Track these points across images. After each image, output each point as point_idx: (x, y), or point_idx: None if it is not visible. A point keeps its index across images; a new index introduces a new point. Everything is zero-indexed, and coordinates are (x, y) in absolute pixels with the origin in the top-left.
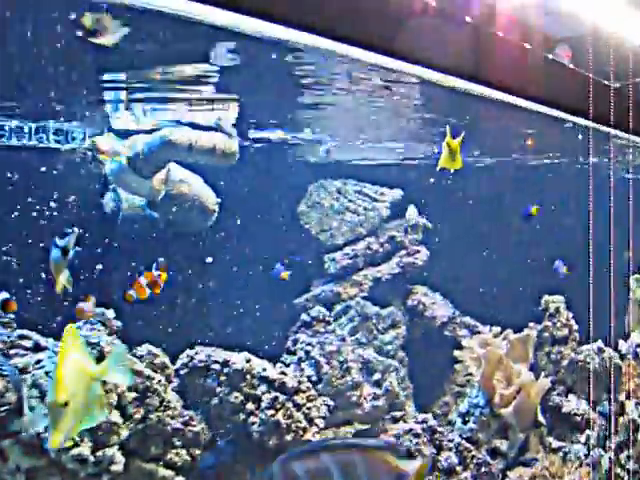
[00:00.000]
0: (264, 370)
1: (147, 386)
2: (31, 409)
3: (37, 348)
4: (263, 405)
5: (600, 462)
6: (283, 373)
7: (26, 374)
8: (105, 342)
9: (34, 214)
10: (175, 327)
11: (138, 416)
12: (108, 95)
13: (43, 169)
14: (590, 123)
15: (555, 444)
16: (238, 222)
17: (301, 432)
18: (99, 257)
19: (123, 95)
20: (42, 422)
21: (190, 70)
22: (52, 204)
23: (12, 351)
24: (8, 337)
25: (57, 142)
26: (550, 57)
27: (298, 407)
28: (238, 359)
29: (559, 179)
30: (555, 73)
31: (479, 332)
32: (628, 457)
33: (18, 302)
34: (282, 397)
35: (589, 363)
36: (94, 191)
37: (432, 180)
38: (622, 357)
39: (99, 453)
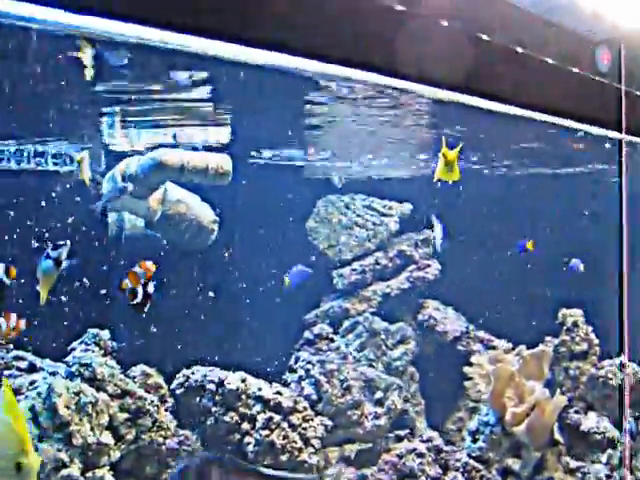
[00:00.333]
0: (259, 390)
1: (139, 407)
2: None
3: (32, 369)
4: (258, 425)
5: None
6: (279, 393)
7: (19, 395)
8: (98, 363)
9: (34, 237)
10: (177, 347)
11: (130, 437)
12: (103, 118)
13: (43, 192)
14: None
15: (573, 464)
16: (246, 239)
17: (296, 452)
18: (102, 276)
19: (118, 117)
20: (34, 443)
21: (189, 95)
22: (52, 225)
23: (6, 372)
24: (2, 358)
25: (55, 165)
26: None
27: (294, 427)
28: (233, 379)
29: (578, 189)
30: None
31: (494, 347)
32: None
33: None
34: (277, 417)
35: (611, 379)
36: (94, 213)
37: (443, 193)
38: None
39: (89, 474)
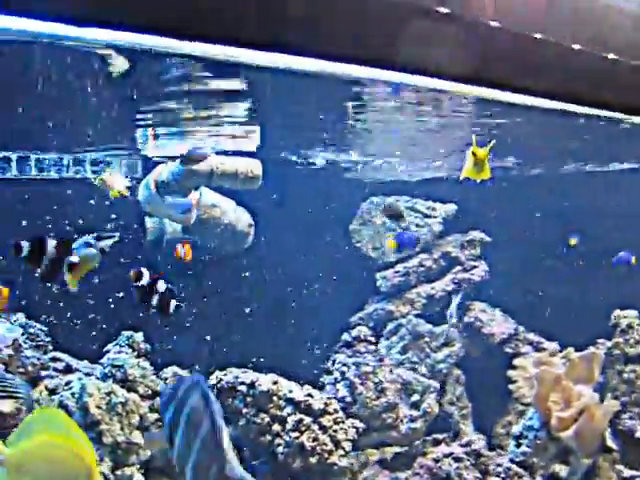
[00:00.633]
0: (290, 392)
1: None
2: None
3: (68, 370)
4: (288, 427)
5: None
6: (310, 395)
7: (54, 395)
8: (130, 365)
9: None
10: (215, 349)
11: None
12: (139, 127)
13: (81, 199)
14: None
15: (627, 472)
16: (290, 242)
17: (326, 455)
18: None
19: (153, 125)
20: None
21: (228, 107)
22: (92, 231)
23: (44, 372)
24: (38, 359)
25: (94, 172)
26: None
27: (324, 429)
28: (265, 381)
29: (632, 185)
30: None
31: (544, 349)
32: None
33: (58, 326)
34: (307, 419)
35: None
36: (132, 218)
37: (489, 193)
38: None
39: (118, 472)
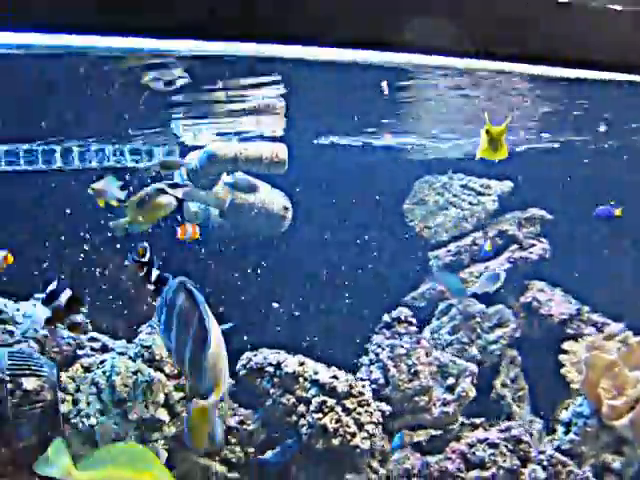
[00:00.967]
0: (316, 373)
1: None
2: (88, 404)
3: (104, 350)
4: (311, 408)
5: None
6: (335, 377)
7: (88, 373)
8: (157, 346)
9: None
10: (259, 330)
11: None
12: (174, 116)
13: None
14: None
15: None
16: (344, 223)
17: (349, 437)
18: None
19: (184, 113)
20: (96, 416)
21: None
22: None
23: (80, 352)
24: (74, 339)
25: (135, 161)
26: None
27: (348, 412)
28: (291, 362)
29: None
30: None
31: (609, 331)
32: None
33: (98, 308)
34: (331, 401)
35: None
36: None
37: (550, 168)
38: None
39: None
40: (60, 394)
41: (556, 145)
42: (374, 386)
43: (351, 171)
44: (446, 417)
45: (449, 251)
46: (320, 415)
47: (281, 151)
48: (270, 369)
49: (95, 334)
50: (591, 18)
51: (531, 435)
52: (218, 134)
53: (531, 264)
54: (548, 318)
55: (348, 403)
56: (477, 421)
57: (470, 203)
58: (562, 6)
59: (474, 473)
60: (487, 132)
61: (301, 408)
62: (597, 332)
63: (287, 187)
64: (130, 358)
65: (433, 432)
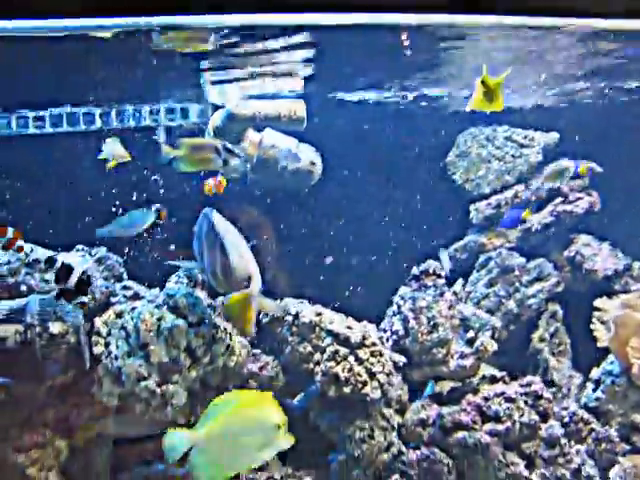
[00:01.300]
0: (331, 323)
1: (213, 334)
2: (117, 347)
3: (135, 297)
4: (325, 357)
5: None
6: (349, 327)
7: (120, 319)
8: (181, 294)
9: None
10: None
11: (205, 360)
12: (202, 76)
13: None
14: None
15: None
16: (386, 176)
17: (360, 386)
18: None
19: (210, 75)
20: (123, 358)
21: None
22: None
23: (113, 299)
24: (107, 287)
25: (170, 120)
26: None
27: (360, 361)
28: (308, 312)
29: None
30: None
31: None
32: None
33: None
34: (344, 350)
35: None
36: None
37: (598, 119)
38: None
39: (163, 387)
40: (93, 338)
41: (606, 96)
42: (394, 337)
43: (396, 125)
44: (463, 370)
45: (489, 204)
46: (333, 364)
47: (299, 108)
48: (289, 318)
49: (129, 282)
50: None
51: (568, 390)
52: (245, 95)
53: (577, 217)
54: (592, 273)
55: (361, 353)
56: (497, 375)
57: (512, 156)
58: None
59: (489, 426)
60: (483, 83)
61: (317, 356)
62: None
63: (331, 141)
64: (157, 306)
65: (453, 384)
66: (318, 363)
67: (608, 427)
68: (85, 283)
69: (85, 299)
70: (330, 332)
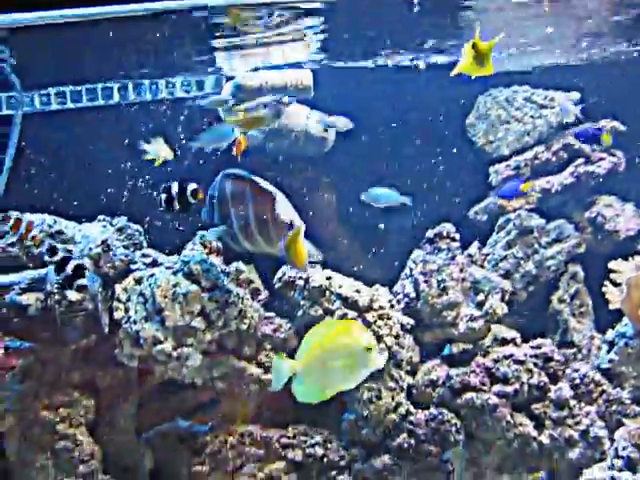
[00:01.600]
0: (340, 287)
1: (226, 299)
2: (135, 312)
3: (154, 264)
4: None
5: None
6: (357, 291)
7: (138, 285)
8: (195, 261)
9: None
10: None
11: (220, 324)
12: (215, 47)
13: (176, 115)
14: None
15: None
16: (406, 139)
17: None
18: None
19: (223, 44)
20: (141, 322)
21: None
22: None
23: (133, 266)
24: (126, 256)
25: (186, 92)
26: None
27: (368, 324)
28: (319, 277)
29: None
30: None
31: None
32: None
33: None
34: (352, 313)
35: None
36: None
37: (616, 80)
38: None
39: (179, 350)
40: (114, 303)
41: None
42: (406, 299)
43: (414, 87)
44: (472, 332)
45: (508, 165)
46: None
47: (306, 77)
48: (300, 282)
49: (147, 250)
50: None
51: (589, 351)
52: (254, 67)
53: (599, 178)
54: (613, 234)
55: (369, 316)
56: (508, 337)
57: (532, 117)
58: None
59: (497, 387)
60: (474, 46)
61: (327, 319)
62: None
63: (349, 106)
64: (174, 273)
65: (464, 346)
66: None
67: (619, 389)
68: (82, 268)
69: (85, 282)
70: (339, 296)
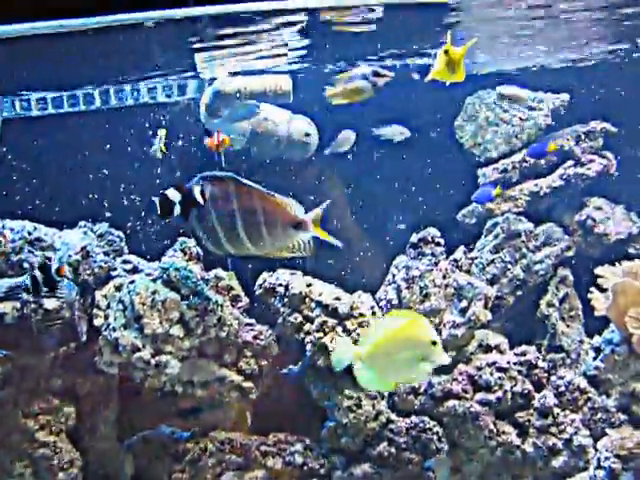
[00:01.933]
0: (320, 295)
1: (205, 306)
2: (115, 319)
3: (134, 271)
4: (313, 328)
5: None
6: (337, 298)
7: (118, 292)
8: (174, 268)
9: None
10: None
11: (199, 331)
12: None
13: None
14: None
15: None
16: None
17: None
18: None
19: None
20: (120, 329)
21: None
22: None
23: (114, 273)
24: (106, 263)
25: (167, 96)
26: None
27: (348, 332)
28: (298, 283)
29: None
30: None
31: None
32: None
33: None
34: (332, 321)
35: None
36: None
37: (612, 81)
38: None
39: (157, 358)
40: (94, 310)
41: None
42: (389, 306)
43: (405, 90)
44: (455, 339)
45: (496, 168)
46: (321, 334)
47: (285, 82)
48: (281, 289)
49: (128, 257)
50: None
51: (578, 355)
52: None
53: (589, 180)
54: (603, 237)
55: (349, 324)
56: (492, 343)
57: (520, 119)
58: None
59: (480, 395)
60: (446, 52)
61: (307, 327)
62: None
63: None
64: (153, 280)
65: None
66: (309, 333)
67: (605, 397)
68: (59, 275)
69: (62, 290)
70: (319, 303)
